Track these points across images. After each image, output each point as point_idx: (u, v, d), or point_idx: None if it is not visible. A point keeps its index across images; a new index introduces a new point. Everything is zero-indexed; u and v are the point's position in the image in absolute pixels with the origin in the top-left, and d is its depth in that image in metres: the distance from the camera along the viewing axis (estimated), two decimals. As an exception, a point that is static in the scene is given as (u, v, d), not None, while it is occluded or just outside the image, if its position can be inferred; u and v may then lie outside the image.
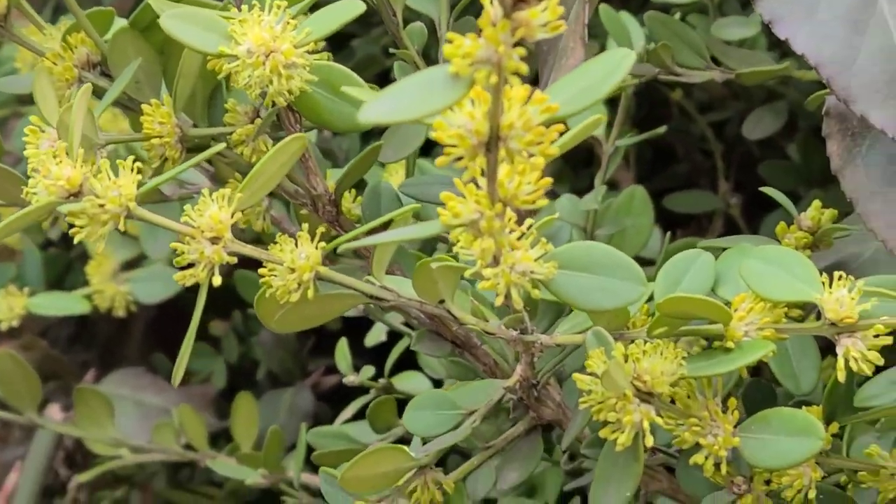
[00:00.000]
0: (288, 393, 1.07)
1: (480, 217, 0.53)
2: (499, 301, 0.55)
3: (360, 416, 0.85)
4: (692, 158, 1.05)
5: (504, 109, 0.50)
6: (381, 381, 0.86)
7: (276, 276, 0.60)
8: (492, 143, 0.50)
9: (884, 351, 0.59)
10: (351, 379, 0.85)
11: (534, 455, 0.71)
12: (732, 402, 0.59)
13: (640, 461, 0.58)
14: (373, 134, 0.74)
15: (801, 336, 0.64)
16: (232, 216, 0.58)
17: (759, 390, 0.67)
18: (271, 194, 0.71)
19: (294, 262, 0.59)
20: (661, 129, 0.83)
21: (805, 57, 0.60)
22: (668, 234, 0.79)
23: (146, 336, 1.17)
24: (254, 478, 0.89)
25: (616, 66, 0.52)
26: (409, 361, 0.87)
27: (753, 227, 0.96)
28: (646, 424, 0.57)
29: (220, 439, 1.04)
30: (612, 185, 0.98)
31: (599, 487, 0.59)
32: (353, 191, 0.72)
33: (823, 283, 0.58)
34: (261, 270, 0.60)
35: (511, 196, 0.52)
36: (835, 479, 0.66)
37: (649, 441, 0.57)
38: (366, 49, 1.06)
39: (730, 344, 0.58)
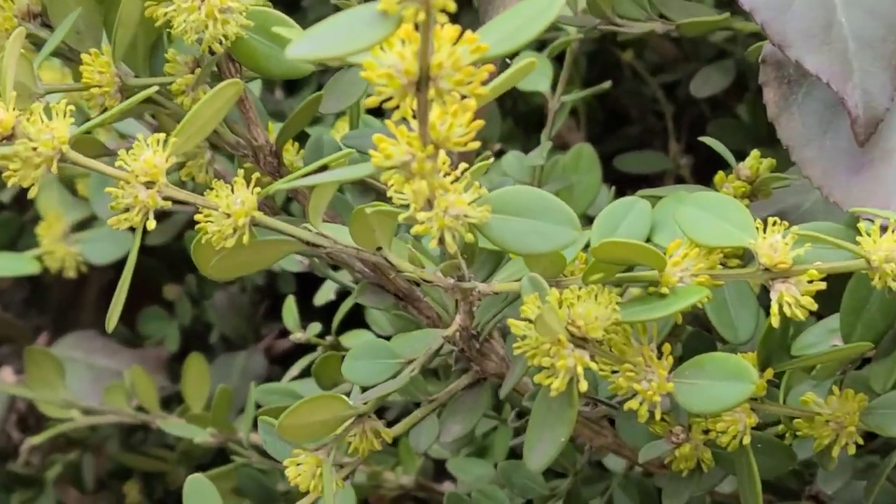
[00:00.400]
0: (241, 356, 1.07)
1: (412, 159, 0.52)
2: (433, 244, 0.56)
3: (308, 374, 0.85)
4: (645, 120, 1.05)
5: (434, 49, 0.50)
6: (329, 338, 0.86)
7: (211, 221, 0.59)
8: (422, 82, 0.50)
9: (821, 299, 0.59)
10: (298, 336, 0.85)
11: (477, 408, 0.71)
12: (667, 347, 0.59)
13: (575, 407, 0.58)
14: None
15: (740, 285, 0.64)
16: (167, 160, 0.58)
17: (700, 341, 0.67)
18: (214, 147, 0.71)
19: (229, 207, 0.59)
20: (606, 85, 0.83)
21: (740, 2, 0.60)
22: (613, 188, 0.79)
23: (100, 301, 1.16)
24: (202, 436, 0.89)
25: (548, 6, 0.52)
26: (357, 320, 0.87)
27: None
28: (579, 370, 0.57)
29: (174, 402, 1.03)
30: (564, 147, 0.98)
31: (534, 433, 0.59)
32: (297, 144, 0.72)
33: (758, 229, 0.58)
34: (197, 216, 0.60)
35: (443, 138, 0.52)
36: (773, 431, 0.66)
37: (583, 386, 0.57)
38: (318, 10, 1.06)
39: (664, 289, 0.58)
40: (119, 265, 1.04)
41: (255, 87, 0.85)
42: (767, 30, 0.59)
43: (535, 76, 0.83)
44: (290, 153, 0.71)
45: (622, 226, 0.61)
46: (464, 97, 0.51)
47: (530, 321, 0.58)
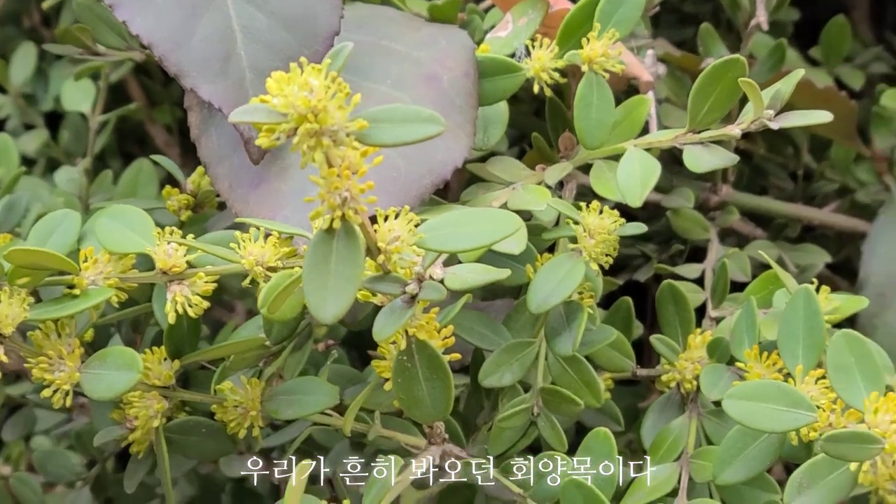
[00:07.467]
0: None
1: None
2: None
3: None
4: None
5: None
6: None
7: None
8: None
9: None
10: None
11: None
12: (76, 342, 0.66)
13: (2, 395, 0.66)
14: None
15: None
16: None
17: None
18: None
19: None
20: (132, 106, 0.91)
21: (139, 38, 0.67)
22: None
23: None
24: None
25: None
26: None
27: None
28: (-10, 364, 0.64)
29: None
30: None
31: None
32: None
33: (157, 237, 0.66)
34: None
35: None
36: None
37: (-2, 378, 0.65)
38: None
39: (76, 291, 0.66)
40: None
41: None
42: (165, 62, 0.66)
43: (78, 98, 0.90)
44: None
45: (55, 234, 0.68)
46: None
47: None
